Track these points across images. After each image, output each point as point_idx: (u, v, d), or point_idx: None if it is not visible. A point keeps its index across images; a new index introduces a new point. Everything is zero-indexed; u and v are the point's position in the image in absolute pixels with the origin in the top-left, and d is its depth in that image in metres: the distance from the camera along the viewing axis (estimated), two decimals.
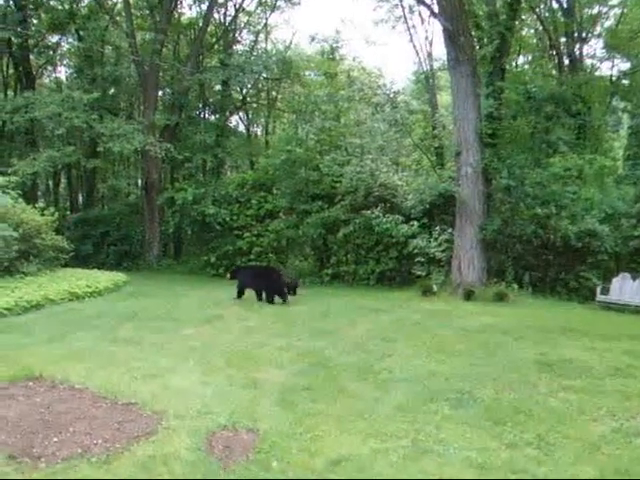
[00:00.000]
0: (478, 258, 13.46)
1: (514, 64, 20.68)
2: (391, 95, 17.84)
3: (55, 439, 4.38)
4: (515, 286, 12.93)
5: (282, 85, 25.66)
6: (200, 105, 24.77)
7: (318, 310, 10.93)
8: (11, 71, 24.72)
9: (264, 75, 23.37)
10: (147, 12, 22.47)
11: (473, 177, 13.57)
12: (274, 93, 26.67)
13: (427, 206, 14.48)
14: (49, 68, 27.25)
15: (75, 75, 23.72)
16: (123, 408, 5.11)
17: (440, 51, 27.35)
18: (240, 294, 12.20)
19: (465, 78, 13.60)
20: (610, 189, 14.24)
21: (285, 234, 17.48)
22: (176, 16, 23.17)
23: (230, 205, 18.57)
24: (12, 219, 13.39)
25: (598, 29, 19.26)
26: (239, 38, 25.29)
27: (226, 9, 24.12)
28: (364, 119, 18.18)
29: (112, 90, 23.41)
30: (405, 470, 4.04)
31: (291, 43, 26.53)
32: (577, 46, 18.64)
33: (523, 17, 18.81)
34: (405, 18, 21.30)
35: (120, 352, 7.19)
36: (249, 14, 25.01)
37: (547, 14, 19.28)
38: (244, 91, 25.29)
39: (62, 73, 28.22)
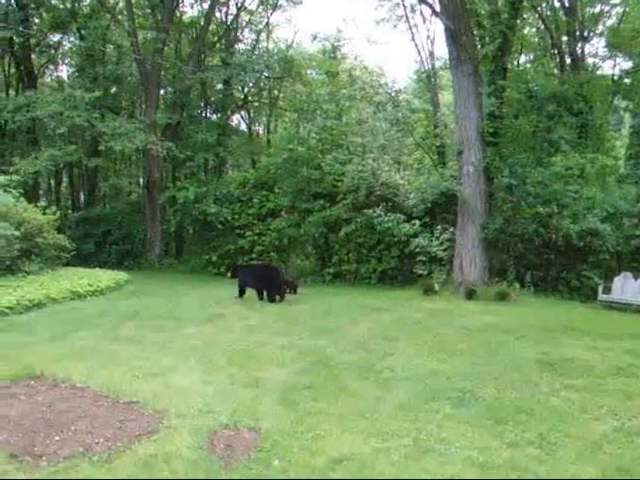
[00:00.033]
0: (480, 257, 13.45)
1: (516, 63, 20.62)
2: (393, 94, 17.86)
3: (57, 438, 4.39)
4: (517, 285, 12.91)
5: (284, 84, 25.68)
6: (202, 104, 24.81)
7: (320, 309, 10.94)
8: (13, 70, 24.79)
9: (266, 74, 23.38)
10: (149, 11, 22.49)
11: (475, 176, 13.55)
12: (276, 92, 26.69)
13: (429, 205, 14.46)
14: (51, 67, 27.35)
15: (77, 74, 23.76)
16: (125, 407, 5.11)
17: (442, 50, 27.28)
18: (242, 293, 12.22)
19: (467, 77, 13.59)
20: (612, 188, 14.22)
21: (287, 233, 17.48)
22: (178, 15, 23.22)
23: (232, 204, 18.59)
24: (14, 218, 13.43)
25: (600, 28, 19.24)
26: (241, 37, 25.38)
27: (228, 8, 24.23)
28: (366, 118, 18.15)
29: (114, 89, 23.48)
30: (406, 469, 4.03)
31: (293, 42, 26.62)
32: (579, 45, 18.57)
33: (525, 16, 18.78)
34: (407, 17, 21.22)
35: (122, 351, 7.19)
36: (251, 13, 25.06)
37: (549, 13, 19.25)
38: (246, 90, 25.29)
39: (64, 72, 28.38)
